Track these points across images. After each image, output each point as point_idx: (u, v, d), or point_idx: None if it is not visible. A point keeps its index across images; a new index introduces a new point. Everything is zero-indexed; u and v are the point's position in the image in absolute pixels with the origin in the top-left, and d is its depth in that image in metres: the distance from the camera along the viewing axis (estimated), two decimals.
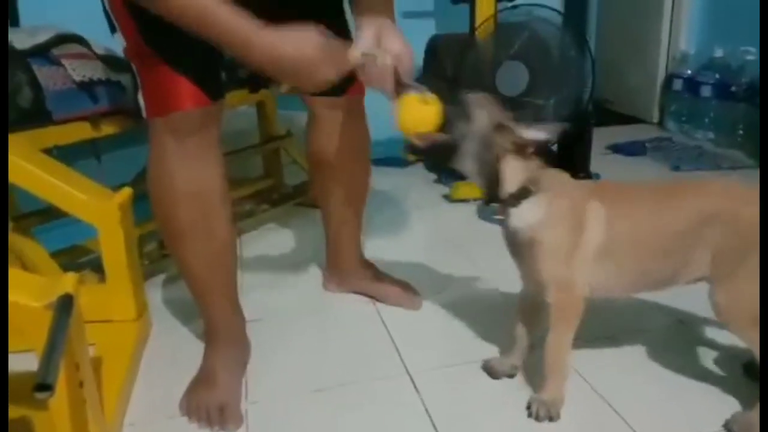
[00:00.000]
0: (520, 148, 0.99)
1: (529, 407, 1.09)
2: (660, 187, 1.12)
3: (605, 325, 1.34)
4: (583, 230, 1.02)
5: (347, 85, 1.30)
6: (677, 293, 1.49)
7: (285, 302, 1.52)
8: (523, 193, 1.01)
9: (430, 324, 1.41)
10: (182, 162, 1.08)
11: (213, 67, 1.12)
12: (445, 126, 0.99)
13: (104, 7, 1.06)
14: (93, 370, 1.14)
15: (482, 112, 1.01)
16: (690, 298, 1.46)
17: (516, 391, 1.16)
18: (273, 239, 1.92)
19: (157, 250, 1.71)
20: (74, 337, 0.83)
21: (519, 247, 1.06)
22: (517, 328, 1.18)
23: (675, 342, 1.30)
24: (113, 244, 1.25)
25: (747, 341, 1.01)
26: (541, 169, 1.03)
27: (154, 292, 1.56)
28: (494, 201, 1.04)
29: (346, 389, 1.18)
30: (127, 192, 1.30)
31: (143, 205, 1.71)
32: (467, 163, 1.02)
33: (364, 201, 1.49)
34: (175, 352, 1.32)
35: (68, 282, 0.83)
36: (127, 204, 1.28)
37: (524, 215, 1.02)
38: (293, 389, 1.19)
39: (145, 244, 1.68)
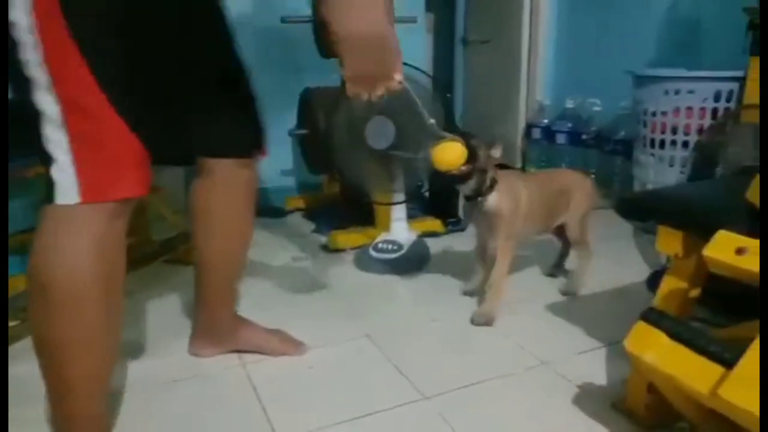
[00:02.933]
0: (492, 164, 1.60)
1: (472, 319, 1.64)
2: (543, 175, 2.07)
3: (471, 372, 1.38)
4: (519, 205, 1.65)
5: (259, 146, 1.31)
6: (538, 336, 1.58)
7: (148, 374, 1.41)
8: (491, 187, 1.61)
9: (306, 382, 1.37)
10: (103, 252, 0.93)
11: (177, 130, 1.04)
12: (468, 160, 1.45)
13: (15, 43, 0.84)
14: None
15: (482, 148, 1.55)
16: (550, 338, 1.55)
17: None
18: (134, 302, 1.79)
19: None
20: None
21: (488, 217, 1.63)
22: (476, 266, 1.84)
23: (539, 383, 1.36)
24: None
25: (578, 251, 1.86)
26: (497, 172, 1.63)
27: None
28: (477, 196, 1.60)
29: None
30: None
31: None
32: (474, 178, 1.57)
33: (246, 258, 1.44)
34: None
35: None
36: None
37: (492, 199, 1.61)
38: None
39: None
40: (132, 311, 1.71)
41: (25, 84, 0.86)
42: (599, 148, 3.08)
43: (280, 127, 2.41)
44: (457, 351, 1.50)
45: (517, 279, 1.98)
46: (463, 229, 2.47)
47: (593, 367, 1.40)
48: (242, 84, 1.27)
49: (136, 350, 1.51)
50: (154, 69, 0.98)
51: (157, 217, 2.15)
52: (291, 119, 2.59)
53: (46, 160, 0.89)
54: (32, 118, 0.88)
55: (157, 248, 2.06)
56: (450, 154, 1.38)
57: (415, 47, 2.97)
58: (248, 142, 1.30)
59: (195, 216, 1.35)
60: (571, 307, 1.75)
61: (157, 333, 1.60)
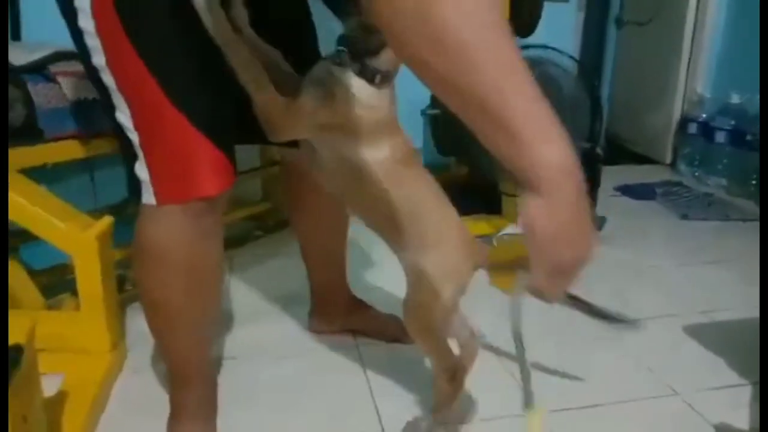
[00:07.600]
0: None
1: None
2: None
3: (590, 392, 1.29)
4: None
5: None
6: (671, 360, 1.44)
7: (264, 340, 1.47)
8: None
9: (415, 373, 1.35)
10: (191, 243, 0.94)
11: (230, 122, 0.95)
12: None
13: (77, 38, 0.86)
14: (58, 403, 1.12)
15: None
16: (686, 364, 1.41)
17: None
18: (263, 268, 1.88)
19: None
20: (22, 388, 0.79)
21: None
22: None
23: (668, 415, 1.24)
24: (89, 274, 1.22)
25: None
26: None
27: (136, 319, 1.52)
28: None
29: None
30: (106, 222, 1.26)
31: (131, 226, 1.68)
32: None
33: (347, 231, 1.44)
34: (146, 389, 1.27)
35: (21, 330, 0.80)
36: (106, 234, 1.24)
37: None
38: None
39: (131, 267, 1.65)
40: (259, 277, 1.80)
41: (104, 93, 0.88)
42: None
43: (412, 107, 2.39)
44: (577, 368, 1.40)
45: (650, 290, 1.82)
46: (598, 230, 2.31)
47: (732, 406, 1.25)
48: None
49: (255, 315, 1.58)
50: (205, 58, 0.89)
51: None
52: (424, 99, 2.55)
53: (131, 158, 0.90)
54: (117, 127, 0.89)
55: (287, 218, 2.14)
56: None
57: (564, 28, 2.79)
58: None
59: (290, 197, 1.38)
60: (713, 331, 1.57)
61: (280, 302, 1.66)
